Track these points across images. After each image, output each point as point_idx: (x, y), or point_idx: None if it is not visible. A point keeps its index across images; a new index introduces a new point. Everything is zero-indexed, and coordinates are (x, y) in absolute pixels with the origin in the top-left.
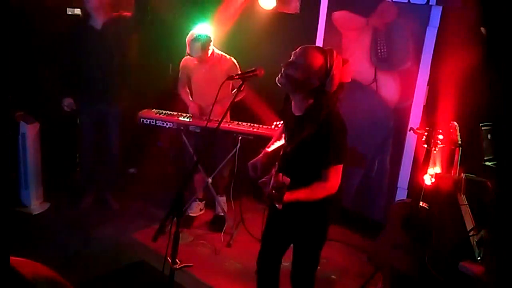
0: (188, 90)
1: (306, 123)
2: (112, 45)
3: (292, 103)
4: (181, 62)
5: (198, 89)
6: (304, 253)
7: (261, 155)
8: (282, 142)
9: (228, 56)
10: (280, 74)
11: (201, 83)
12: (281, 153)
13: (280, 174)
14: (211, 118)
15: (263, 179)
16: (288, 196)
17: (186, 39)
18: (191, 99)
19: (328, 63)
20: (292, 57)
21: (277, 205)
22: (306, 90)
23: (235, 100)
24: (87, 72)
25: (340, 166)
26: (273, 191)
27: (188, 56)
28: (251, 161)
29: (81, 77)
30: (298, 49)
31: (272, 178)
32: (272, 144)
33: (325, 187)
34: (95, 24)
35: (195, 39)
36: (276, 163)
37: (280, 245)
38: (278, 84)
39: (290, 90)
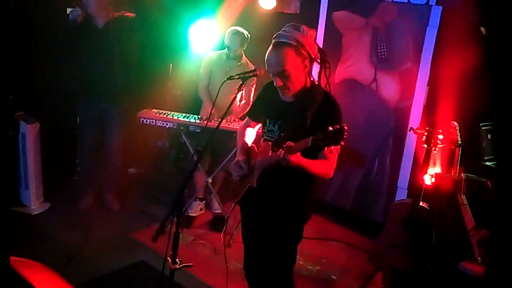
0: (207, 92)
1: (305, 104)
2: (114, 44)
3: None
4: (205, 58)
5: (216, 86)
6: (281, 249)
7: (238, 156)
8: (250, 139)
9: (252, 66)
10: (281, 86)
11: (221, 81)
12: (272, 140)
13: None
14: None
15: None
16: (298, 159)
17: (226, 32)
18: (209, 101)
19: (305, 52)
20: (272, 70)
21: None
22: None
23: (239, 104)
24: (88, 71)
25: (338, 148)
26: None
27: (213, 53)
28: (233, 163)
29: (82, 76)
30: (270, 57)
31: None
32: (244, 143)
33: (326, 166)
34: (97, 23)
35: (237, 32)
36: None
37: (261, 244)
38: (284, 93)
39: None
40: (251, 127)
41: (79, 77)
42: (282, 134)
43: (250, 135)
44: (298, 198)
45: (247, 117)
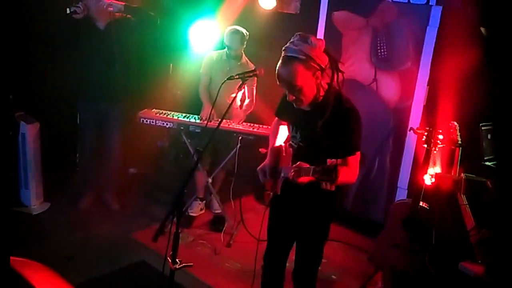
0: (208, 93)
1: (318, 113)
2: (115, 45)
3: None
4: (205, 57)
5: (216, 86)
6: (309, 248)
7: (267, 159)
8: (283, 138)
9: (252, 65)
10: (294, 100)
11: (220, 81)
12: (294, 146)
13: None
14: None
15: (296, 166)
16: (307, 180)
17: (225, 32)
18: (209, 103)
19: (315, 65)
20: (283, 86)
21: (328, 186)
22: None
23: (239, 105)
24: (88, 71)
25: (359, 154)
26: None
27: (213, 52)
28: (259, 167)
29: (83, 76)
30: (281, 74)
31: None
32: (274, 143)
33: (348, 173)
34: (98, 24)
35: (236, 32)
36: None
37: (286, 242)
38: (298, 105)
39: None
40: (282, 124)
41: (80, 77)
42: (301, 143)
43: (283, 133)
44: (325, 199)
45: (276, 117)
